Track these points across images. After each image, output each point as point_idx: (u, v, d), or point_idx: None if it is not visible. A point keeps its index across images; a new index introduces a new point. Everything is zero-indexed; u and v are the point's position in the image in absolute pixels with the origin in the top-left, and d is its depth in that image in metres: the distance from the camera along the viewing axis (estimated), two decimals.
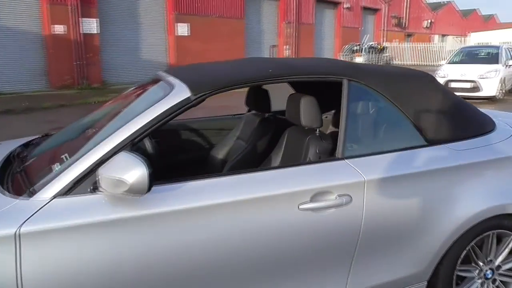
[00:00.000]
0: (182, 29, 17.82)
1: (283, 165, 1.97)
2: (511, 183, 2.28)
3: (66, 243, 1.59)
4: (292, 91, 3.19)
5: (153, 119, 1.82)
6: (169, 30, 17.49)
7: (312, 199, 1.91)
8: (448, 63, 12.18)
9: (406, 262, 2.13)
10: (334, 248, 1.97)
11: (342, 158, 2.04)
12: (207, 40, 18.70)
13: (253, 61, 2.42)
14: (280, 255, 1.88)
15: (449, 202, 2.12)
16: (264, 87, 2.78)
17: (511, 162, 2.30)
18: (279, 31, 23.03)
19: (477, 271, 2.32)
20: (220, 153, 3.20)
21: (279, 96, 3.64)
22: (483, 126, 2.38)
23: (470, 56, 12.13)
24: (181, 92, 1.92)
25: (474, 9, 48.29)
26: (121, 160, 1.64)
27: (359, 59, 23.56)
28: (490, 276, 2.35)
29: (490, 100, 10.90)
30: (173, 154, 3.25)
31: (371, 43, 26.27)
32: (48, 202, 1.62)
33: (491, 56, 11.68)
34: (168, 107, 1.86)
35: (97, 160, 1.69)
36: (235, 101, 5.10)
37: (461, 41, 31.01)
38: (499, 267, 2.37)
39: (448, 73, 11.29)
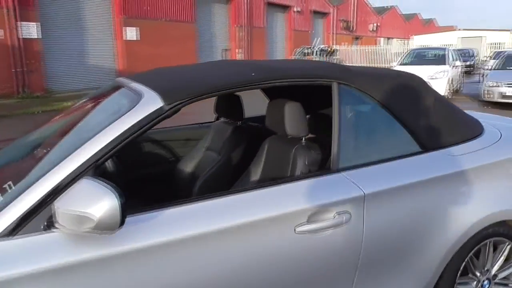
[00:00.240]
0: (131, 33, 17.15)
1: (274, 182, 1.72)
2: (506, 188, 2.17)
3: None
4: (260, 97, 2.95)
5: (120, 135, 1.50)
6: (117, 35, 16.76)
7: (310, 220, 1.68)
8: (400, 64, 12.50)
9: (408, 279, 1.95)
10: (334, 271, 1.75)
11: (337, 171, 1.82)
12: (158, 45, 18.13)
13: (229, 64, 2.16)
14: (275, 285, 1.63)
15: (450, 211, 1.97)
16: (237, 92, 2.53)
17: (505, 165, 2.19)
18: (231, 35, 22.83)
19: (475, 283, 2.20)
20: (188, 166, 2.89)
21: (245, 102, 3.39)
22: (474, 130, 2.26)
23: (419, 57, 12.53)
24: (151, 102, 1.63)
25: (416, 13, 50.68)
26: (83, 189, 1.32)
27: None
28: (487, 286, 2.23)
29: None
30: (134, 170, 2.89)
31: (321, 46, 26.69)
32: None
33: (438, 58, 12.12)
34: (137, 119, 1.55)
35: (51, 189, 1.36)
36: (195, 107, 4.78)
37: (404, 44, 32.34)
38: (495, 276, 2.26)
39: None
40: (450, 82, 11.47)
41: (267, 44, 25.47)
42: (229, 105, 2.74)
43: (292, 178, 1.77)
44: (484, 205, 2.07)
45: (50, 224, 1.34)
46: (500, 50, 20.45)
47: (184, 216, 1.52)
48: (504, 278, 2.30)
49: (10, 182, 1.50)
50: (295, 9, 27.39)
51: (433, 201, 1.94)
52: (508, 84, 9.92)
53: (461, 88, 13.54)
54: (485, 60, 18.34)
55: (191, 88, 1.70)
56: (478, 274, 2.19)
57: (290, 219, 1.65)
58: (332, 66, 2.09)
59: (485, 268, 2.22)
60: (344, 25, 34.09)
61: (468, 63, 15.65)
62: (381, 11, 42.02)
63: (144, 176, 2.97)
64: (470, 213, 2.01)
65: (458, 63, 12.29)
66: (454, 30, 37.85)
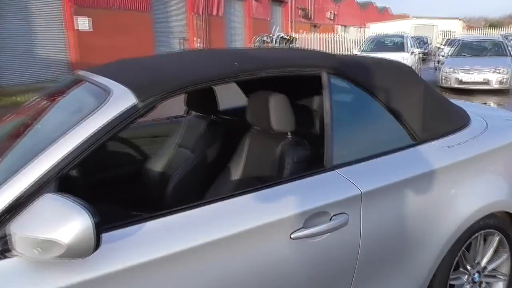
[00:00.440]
0: (83, 23, 16.26)
1: (264, 185, 1.54)
2: (495, 178, 2.12)
3: None
4: (229, 88, 2.75)
5: (88, 138, 1.28)
6: (68, 25, 15.83)
7: (306, 224, 1.52)
8: (360, 52, 12.61)
9: (405, 279, 1.85)
10: (333, 275, 1.62)
11: (332, 168, 1.67)
12: (112, 35, 17.33)
13: (206, 54, 1.95)
14: None
15: (445, 205, 1.88)
16: None
17: (492, 156, 2.13)
18: (188, 24, 22.24)
19: (466, 277, 2.14)
20: (158, 166, 2.66)
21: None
22: (462, 120, 2.19)
23: (379, 45, 12.69)
24: (123, 98, 1.40)
25: (371, 2, 51.61)
26: (46, 207, 1.09)
27: None
28: (477, 279, 2.18)
29: None
30: (96, 172, 2.62)
31: (281, 34, 26.60)
32: None
33: (397, 45, 12.33)
34: (107, 119, 1.33)
35: (4, 209, 1.12)
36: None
37: (361, 32, 32.89)
38: (484, 268, 2.21)
39: None
40: None
41: (225, 32, 25.05)
42: (202, 98, 2.53)
43: (284, 179, 1.60)
44: (476, 197, 2.00)
45: (5, 250, 1.11)
46: (451, 37, 21.19)
47: (167, 229, 1.32)
48: (493, 269, 2.26)
49: None
50: None
51: (428, 196, 1.84)
52: (464, 70, 10.22)
53: (419, 75, 13.86)
54: (439, 48, 18.93)
55: (167, 82, 1.48)
56: (469, 267, 2.14)
57: (285, 225, 1.49)
58: (320, 54, 1.93)
59: (476, 261, 2.17)
60: (302, 13, 34.15)
61: (423, 50, 16.09)
62: None
63: (108, 178, 2.71)
64: (465, 206, 1.94)
65: (416, 50, 12.56)
66: (407, 18, 38.92)
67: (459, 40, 12.78)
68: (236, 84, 2.87)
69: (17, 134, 1.64)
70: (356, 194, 1.63)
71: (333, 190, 1.61)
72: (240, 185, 2.05)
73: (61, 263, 1.12)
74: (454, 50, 11.69)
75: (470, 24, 44.62)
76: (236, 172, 2.11)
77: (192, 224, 1.36)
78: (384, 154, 1.81)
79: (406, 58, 11.53)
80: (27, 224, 1.06)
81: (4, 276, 1.09)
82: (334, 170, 1.66)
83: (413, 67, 12.58)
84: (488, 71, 9.99)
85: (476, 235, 2.08)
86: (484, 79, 9.98)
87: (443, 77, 10.54)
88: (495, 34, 22.86)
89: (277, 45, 24.83)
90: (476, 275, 2.18)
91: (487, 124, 2.26)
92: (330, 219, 1.57)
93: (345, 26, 41.45)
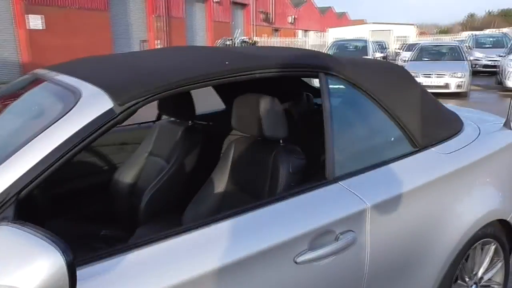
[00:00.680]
0: (35, 21, 15.43)
1: (262, 202, 1.34)
2: (492, 185, 2.03)
3: None
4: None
5: (54, 150, 1.03)
6: (19, 23, 14.97)
7: (311, 246, 1.33)
8: None
9: None
10: None
11: (334, 180, 1.50)
12: (68, 35, 16.56)
13: (192, 50, 1.73)
14: None
15: (449, 214, 1.77)
16: None
17: (489, 161, 2.04)
18: (148, 25, 21.67)
19: None
20: (127, 177, 2.39)
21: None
22: (457, 125, 2.09)
23: (342, 49, 12.82)
24: (95, 101, 1.17)
25: (330, 7, 52.60)
26: (1, 242, 0.84)
27: None
28: None
29: None
30: (58, 184, 2.31)
31: (243, 38, 26.51)
32: None
33: (360, 49, 12.49)
34: (79, 127, 1.09)
35: None
36: None
37: (321, 36, 33.38)
38: (481, 279, 2.12)
39: None
40: None
41: (187, 35, 24.63)
42: (177, 102, 2.29)
43: (284, 195, 1.41)
44: (478, 206, 1.90)
45: None
46: (408, 43, 21.86)
47: (154, 260, 1.10)
48: (488, 279, 2.17)
49: None
50: (214, 0, 26.81)
51: (433, 206, 1.72)
52: (425, 74, 10.47)
53: None
54: (398, 52, 19.46)
55: (150, 82, 1.25)
56: (467, 279, 2.03)
57: (289, 248, 1.29)
58: (314, 53, 1.75)
59: (474, 272, 2.07)
60: (264, 17, 34.24)
61: (382, 54, 16.47)
62: (298, 3, 42.94)
63: (70, 191, 2.41)
64: (468, 214, 1.83)
65: (378, 54, 12.81)
66: (365, 23, 39.98)
67: (417, 44, 13.13)
68: (212, 87, 2.65)
69: None
70: (362, 208, 1.46)
71: (338, 205, 1.44)
72: (226, 199, 1.84)
73: None
74: (414, 54, 11.98)
75: (423, 30, 46.47)
76: (220, 185, 1.90)
77: (183, 253, 1.14)
78: (386, 162, 1.66)
79: None
80: None
81: None
82: (337, 182, 1.49)
83: None
84: (447, 75, 10.29)
85: (475, 245, 1.98)
86: (444, 83, 10.26)
87: None
88: (447, 40, 23.85)
89: None
90: (474, 286, 2.08)
91: (479, 128, 2.18)
92: (336, 239, 1.39)
93: (305, 30, 41.99)
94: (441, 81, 10.27)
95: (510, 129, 2.26)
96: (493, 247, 2.10)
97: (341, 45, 13.17)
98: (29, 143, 1.04)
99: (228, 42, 25.26)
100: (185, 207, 1.91)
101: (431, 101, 2.00)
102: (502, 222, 2.10)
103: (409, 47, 17.20)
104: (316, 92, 2.69)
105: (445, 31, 46.66)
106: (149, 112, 2.62)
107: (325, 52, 13.14)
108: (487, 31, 27.42)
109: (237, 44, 25.24)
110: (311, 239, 1.34)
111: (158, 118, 2.73)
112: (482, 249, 2.09)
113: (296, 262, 1.30)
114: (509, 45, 12.77)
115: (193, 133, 2.29)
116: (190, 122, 2.35)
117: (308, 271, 1.33)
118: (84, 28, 17.27)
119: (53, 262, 0.81)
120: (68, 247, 0.84)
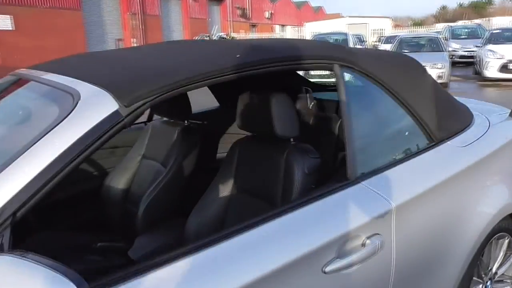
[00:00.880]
0: (4, 22, 14.92)
1: (285, 207, 1.22)
2: (505, 178, 1.96)
3: None
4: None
5: (53, 162, 0.89)
6: None
7: (338, 254, 1.22)
8: None
9: None
10: None
11: (357, 180, 1.39)
12: (39, 35, 16.02)
13: (198, 45, 1.59)
14: None
15: (470, 209, 1.69)
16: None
17: (501, 153, 1.98)
18: (123, 24, 21.20)
19: (480, 286, 1.97)
20: (120, 183, 2.23)
21: None
22: (468, 116, 2.01)
23: None
24: (100, 103, 1.02)
25: (306, 1, 52.64)
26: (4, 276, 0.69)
27: None
28: (489, 287, 2.02)
29: None
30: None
31: (220, 34, 26.25)
32: None
33: (341, 43, 12.44)
34: (81, 133, 0.94)
35: None
36: None
37: (298, 31, 33.39)
38: (495, 274, 2.06)
39: None
40: None
41: (163, 33, 24.23)
42: (172, 101, 2.14)
43: (306, 199, 1.29)
44: (495, 199, 1.83)
45: None
46: (385, 35, 22.06)
47: (170, 282, 0.96)
48: (502, 274, 2.11)
49: None
50: None
51: (454, 201, 1.65)
52: None
53: None
54: (376, 45, 19.59)
55: (158, 80, 1.11)
56: (483, 275, 1.97)
57: (316, 258, 1.18)
58: (327, 45, 1.63)
59: (489, 268, 2.00)
60: (240, 13, 33.99)
61: (361, 47, 16.55)
62: None
63: (58, 199, 2.23)
64: (487, 209, 1.76)
65: (357, 47, 12.78)
66: (341, 17, 40.20)
67: (396, 37, 13.20)
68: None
69: None
70: (388, 209, 1.36)
71: (363, 208, 1.33)
72: (233, 205, 1.71)
73: None
74: (394, 47, 12.03)
75: (398, 23, 47.06)
76: (225, 190, 1.76)
77: (207, 270, 1.01)
78: (406, 158, 1.56)
79: None
80: None
81: None
82: (360, 182, 1.38)
83: None
84: (428, 67, 10.34)
85: (491, 240, 1.91)
86: None
87: None
88: (422, 32, 24.17)
89: None
90: (488, 282, 2.02)
91: (489, 120, 2.11)
92: (364, 243, 1.28)
93: (282, 25, 41.94)
94: None
95: None
96: (506, 241, 2.04)
97: (321, 38, 13.11)
98: (23, 155, 0.88)
99: (205, 39, 24.99)
100: (185, 212, 1.78)
101: (443, 92, 1.91)
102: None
103: (387, 40, 17.33)
104: (314, 86, 2.58)
105: (419, 23, 47.38)
106: None
107: None
108: (460, 23, 27.98)
109: None
110: (339, 246, 1.23)
111: (150, 118, 2.58)
112: (496, 244, 2.03)
113: (325, 272, 1.18)
114: (485, 36, 12.98)
115: (190, 134, 2.15)
116: (186, 122, 2.20)
117: (337, 281, 1.22)
118: (57, 28, 16.75)
119: None
120: (82, 280, 0.70)
